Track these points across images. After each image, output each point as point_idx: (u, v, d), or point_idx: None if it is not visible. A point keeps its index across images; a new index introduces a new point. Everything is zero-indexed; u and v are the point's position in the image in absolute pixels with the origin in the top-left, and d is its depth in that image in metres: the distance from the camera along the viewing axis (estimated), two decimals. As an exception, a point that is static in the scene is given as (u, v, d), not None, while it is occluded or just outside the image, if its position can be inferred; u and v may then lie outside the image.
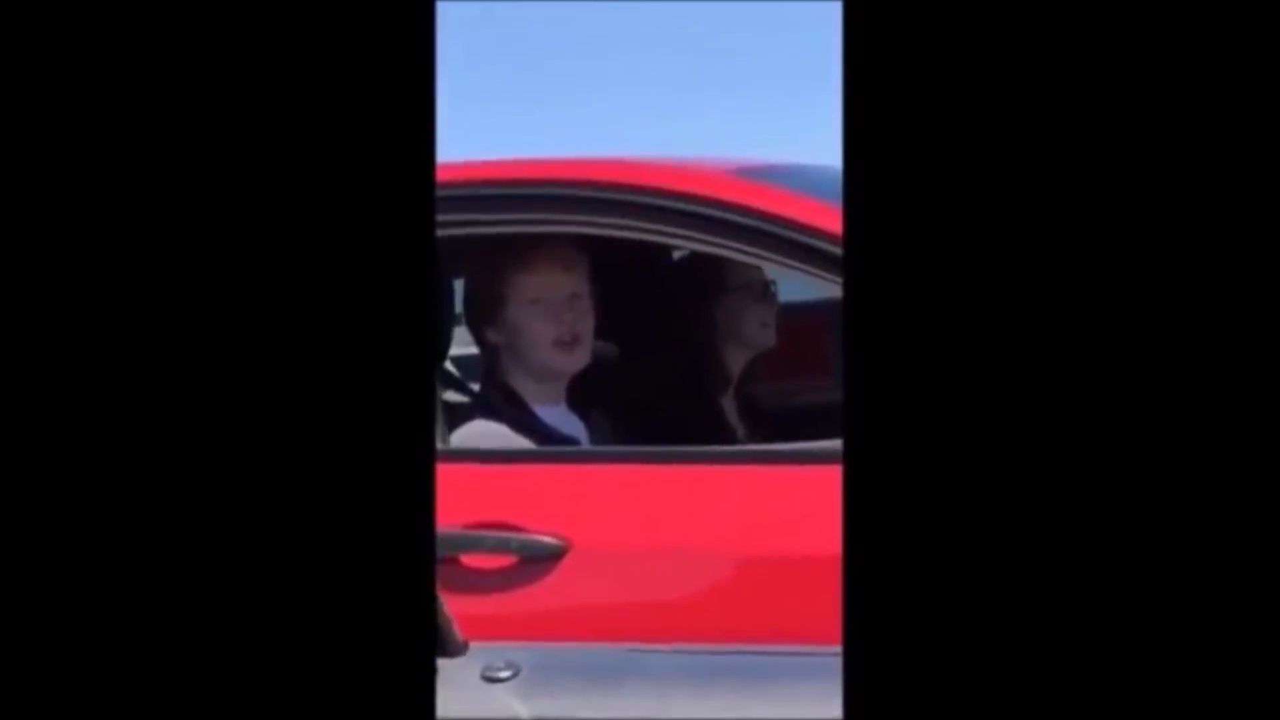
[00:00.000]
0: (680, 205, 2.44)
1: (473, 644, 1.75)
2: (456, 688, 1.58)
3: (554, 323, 2.62)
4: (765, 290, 3.05)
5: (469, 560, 2.33)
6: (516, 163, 2.62)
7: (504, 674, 1.75)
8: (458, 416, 2.64)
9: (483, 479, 2.41)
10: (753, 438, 2.96)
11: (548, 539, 2.32)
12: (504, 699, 1.72)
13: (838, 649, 1.98)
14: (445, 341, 2.78)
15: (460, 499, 2.34)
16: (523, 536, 2.33)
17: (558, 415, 2.68)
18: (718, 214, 2.42)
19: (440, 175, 2.53)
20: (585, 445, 2.66)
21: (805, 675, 1.75)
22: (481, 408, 2.67)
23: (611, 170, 2.53)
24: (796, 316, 3.27)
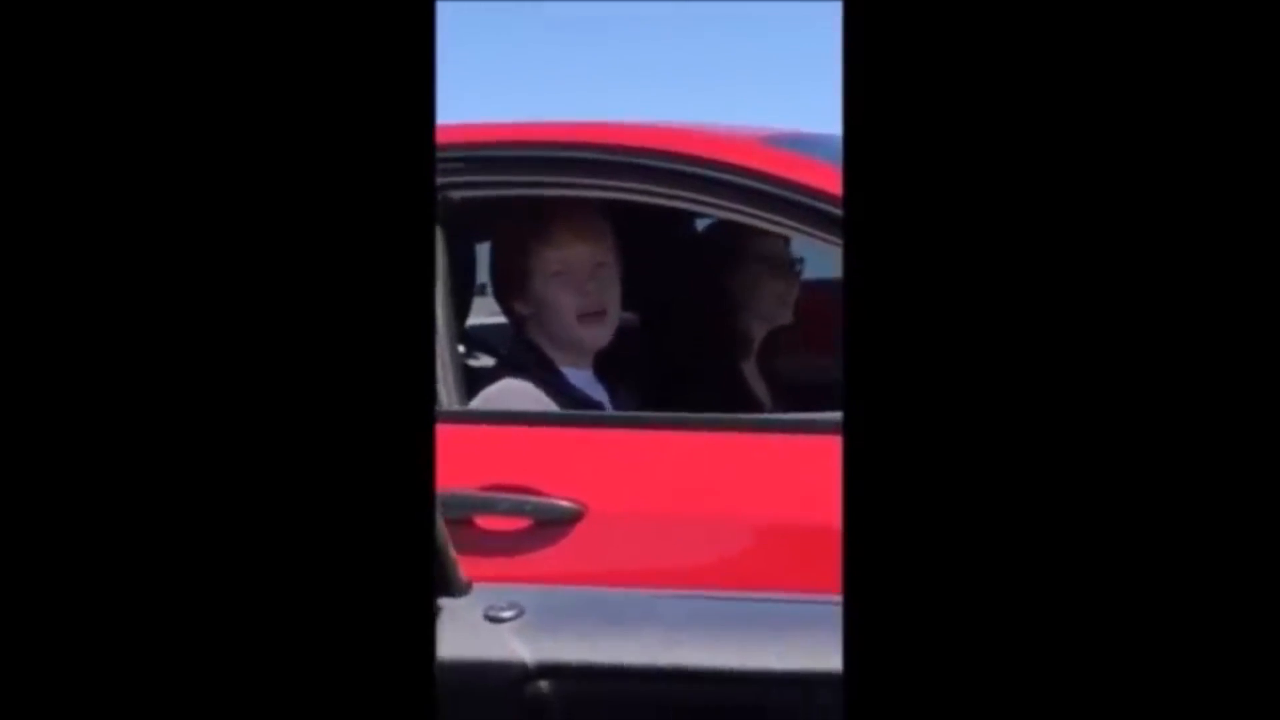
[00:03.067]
0: (707, 172, 2.42)
1: (476, 584, 1.74)
2: (458, 627, 1.57)
3: (579, 294, 2.61)
4: (786, 266, 3.02)
5: (484, 522, 2.34)
6: (542, 125, 2.60)
7: (507, 614, 1.73)
8: (481, 380, 2.64)
9: (500, 441, 2.41)
10: (775, 408, 2.95)
11: (563, 502, 2.32)
12: (506, 639, 1.71)
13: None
14: (464, 306, 2.78)
15: (477, 461, 2.34)
16: (538, 499, 2.33)
17: (584, 380, 2.67)
18: (745, 182, 2.41)
19: (465, 136, 2.54)
20: (607, 410, 2.65)
21: (818, 623, 1.74)
22: (509, 369, 2.66)
23: (638, 135, 2.52)
24: (821, 291, 3.26)
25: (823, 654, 1.67)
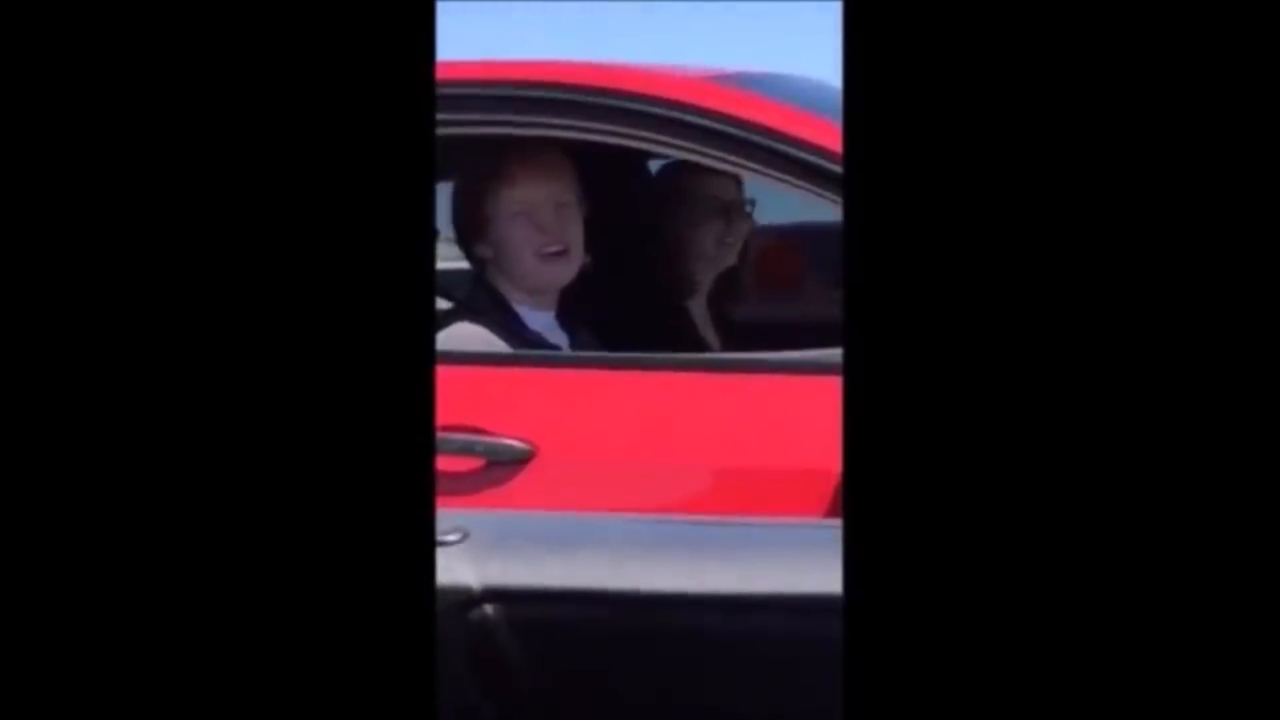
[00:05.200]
0: (657, 110, 2.42)
1: None
2: None
3: (540, 233, 2.60)
4: (731, 206, 3.01)
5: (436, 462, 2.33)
6: (492, 64, 2.60)
7: (451, 538, 1.72)
8: (440, 321, 2.64)
9: (452, 381, 2.40)
10: (727, 349, 2.95)
11: (514, 442, 2.32)
12: (451, 563, 1.70)
13: (795, 520, 1.98)
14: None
15: (428, 400, 2.33)
16: (489, 439, 2.33)
17: (545, 323, 2.67)
18: (694, 120, 2.40)
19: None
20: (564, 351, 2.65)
21: (760, 544, 1.75)
22: (468, 312, 2.66)
23: (589, 73, 2.52)
24: (775, 234, 3.26)
25: (768, 574, 1.68)
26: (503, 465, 2.33)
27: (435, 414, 1.52)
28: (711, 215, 2.98)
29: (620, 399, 2.37)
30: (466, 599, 1.70)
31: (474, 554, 1.71)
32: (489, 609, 1.70)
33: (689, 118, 2.41)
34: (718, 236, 3.00)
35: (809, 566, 1.65)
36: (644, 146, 2.55)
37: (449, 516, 1.73)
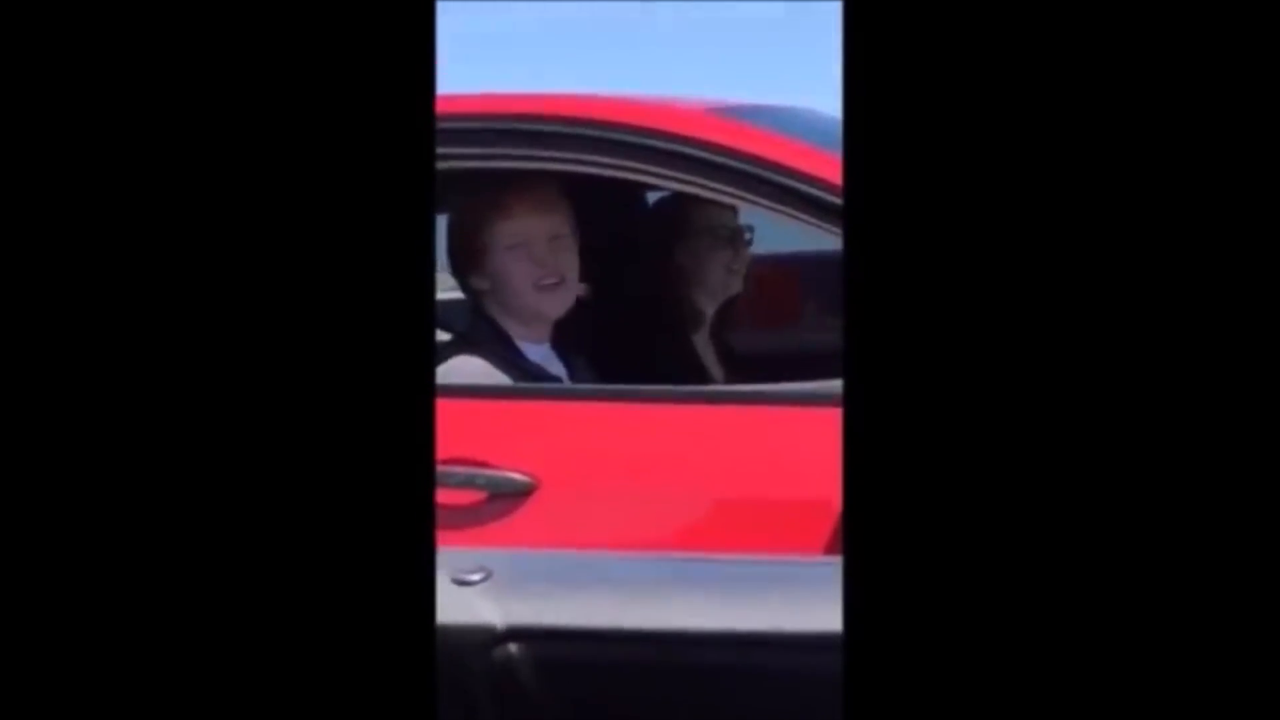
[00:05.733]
0: (655, 142, 2.43)
1: (442, 548, 1.74)
2: None
3: (536, 265, 2.61)
4: (734, 235, 3.03)
5: (438, 496, 2.33)
6: (490, 97, 2.60)
7: (474, 577, 1.73)
8: (439, 354, 2.64)
9: (453, 415, 2.40)
10: (728, 380, 2.95)
11: (516, 475, 2.32)
12: (474, 602, 1.70)
13: (806, 559, 1.98)
14: None
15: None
16: (490, 473, 2.33)
17: (542, 354, 2.67)
18: (692, 152, 2.41)
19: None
20: (563, 383, 2.66)
21: (774, 582, 1.75)
22: (466, 345, 2.66)
23: (586, 106, 2.52)
24: (775, 264, 3.26)
25: (781, 613, 1.68)
26: (505, 498, 2.32)
27: (436, 448, 1.52)
28: (720, 244, 3.00)
29: (622, 431, 2.36)
30: (490, 638, 1.70)
31: (497, 593, 1.72)
32: (512, 648, 1.71)
33: (683, 149, 2.42)
34: (726, 264, 3.03)
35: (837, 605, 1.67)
36: (642, 179, 2.55)
37: (471, 556, 1.74)
